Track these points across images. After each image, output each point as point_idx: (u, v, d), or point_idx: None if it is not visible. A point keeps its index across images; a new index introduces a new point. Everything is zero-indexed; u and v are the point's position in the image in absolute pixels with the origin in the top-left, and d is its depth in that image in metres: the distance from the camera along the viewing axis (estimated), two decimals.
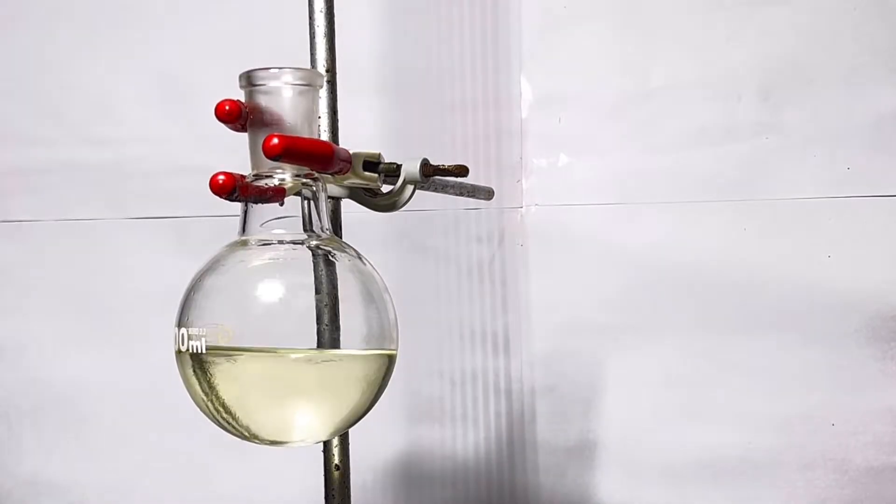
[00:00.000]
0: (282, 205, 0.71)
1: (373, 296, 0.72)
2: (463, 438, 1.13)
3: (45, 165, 1.18)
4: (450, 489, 1.13)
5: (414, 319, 1.14)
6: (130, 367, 1.16)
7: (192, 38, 1.17)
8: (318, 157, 0.70)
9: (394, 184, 0.79)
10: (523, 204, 1.12)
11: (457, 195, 0.87)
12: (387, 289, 0.73)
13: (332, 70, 0.84)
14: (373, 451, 1.13)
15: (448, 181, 0.83)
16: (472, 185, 0.89)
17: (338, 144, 0.84)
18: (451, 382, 1.13)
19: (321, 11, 0.83)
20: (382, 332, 0.72)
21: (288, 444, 0.71)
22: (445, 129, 1.13)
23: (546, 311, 1.12)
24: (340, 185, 0.80)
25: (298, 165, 0.70)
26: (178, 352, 0.70)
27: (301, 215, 0.72)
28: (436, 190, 0.84)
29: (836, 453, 1.07)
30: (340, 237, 0.84)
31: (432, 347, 1.13)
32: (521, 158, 1.12)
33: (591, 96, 1.10)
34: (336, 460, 0.82)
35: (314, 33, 0.83)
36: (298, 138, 0.69)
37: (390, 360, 0.73)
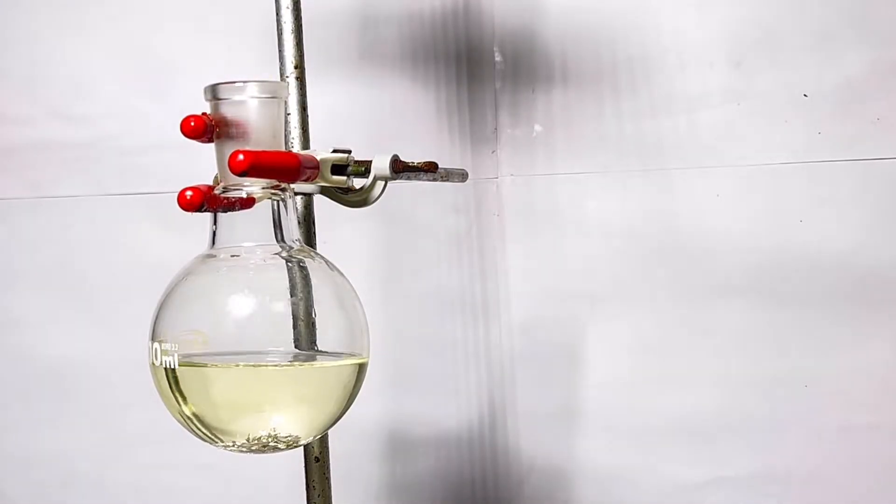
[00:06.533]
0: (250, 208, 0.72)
1: (344, 302, 0.73)
2: (444, 406, 1.15)
3: (22, 143, 1.19)
4: (432, 456, 1.15)
5: (393, 289, 1.15)
6: (114, 341, 1.17)
7: (166, 13, 1.17)
8: (285, 170, 0.71)
9: (365, 178, 0.80)
10: (498, 175, 1.13)
11: (430, 181, 0.88)
12: (356, 294, 0.74)
13: (300, 66, 0.84)
14: (354, 420, 1.14)
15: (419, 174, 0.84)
16: (445, 169, 0.90)
17: (308, 140, 0.85)
18: (431, 351, 1.15)
19: (288, 8, 0.84)
20: (354, 337, 0.74)
21: (264, 453, 0.72)
22: (419, 101, 1.13)
23: (524, 279, 1.13)
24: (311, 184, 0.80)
25: (265, 179, 0.71)
26: (153, 365, 0.71)
27: (272, 221, 0.73)
28: (409, 179, 0.85)
29: (809, 414, 1.09)
30: (315, 231, 0.85)
31: (411, 316, 1.15)
32: (495, 129, 1.13)
33: (563, 66, 1.11)
34: (316, 452, 0.84)
35: (282, 30, 0.84)
36: (264, 153, 0.70)
37: (363, 365, 0.74)
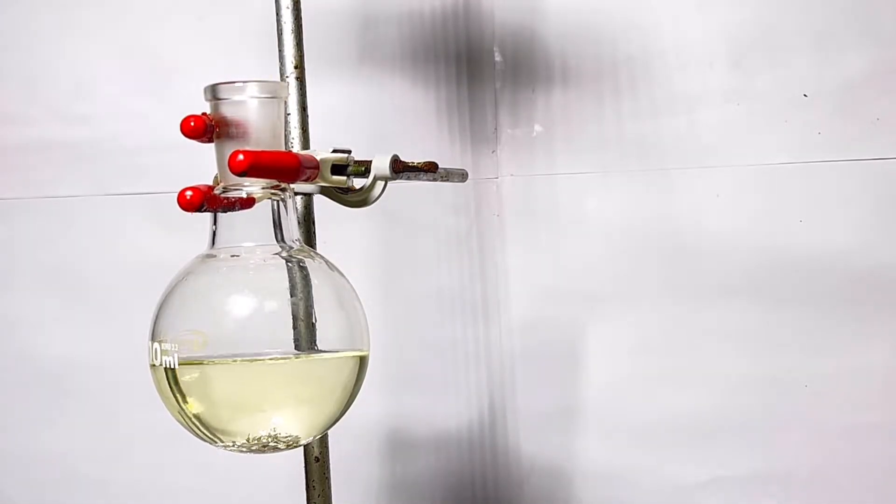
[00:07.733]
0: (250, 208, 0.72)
1: (344, 302, 0.74)
2: (444, 406, 1.15)
3: (22, 143, 1.19)
4: (432, 456, 1.15)
5: (393, 289, 1.15)
6: (114, 341, 1.17)
7: (166, 13, 1.17)
8: (285, 171, 0.71)
9: (365, 178, 0.80)
10: (498, 175, 1.13)
11: (430, 181, 0.88)
12: (356, 294, 0.74)
13: (300, 66, 0.84)
14: (354, 420, 1.14)
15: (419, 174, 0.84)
16: (445, 169, 0.90)
17: (308, 140, 0.85)
18: (431, 351, 1.15)
19: (288, 8, 0.84)
20: (354, 337, 0.74)
21: (264, 453, 0.72)
22: (419, 101, 1.13)
23: (523, 279, 1.13)
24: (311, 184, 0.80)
25: (265, 179, 0.71)
26: (152, 366, 0.71)
27: (271, 221, 0.73)
28: (409, 179, 0.85)
29: (809, 414, 1.09)
30: (315, 231, 0.85)
31: (411, 316, 1.15)
32: (495, 129, 1.13)
33: (563, 66, 1.11)
34: (316, 452, 0.84)
35: (282, 30, 0.84)
36: (264, 153, 0.70)
37: (363, 364, 0.74)
